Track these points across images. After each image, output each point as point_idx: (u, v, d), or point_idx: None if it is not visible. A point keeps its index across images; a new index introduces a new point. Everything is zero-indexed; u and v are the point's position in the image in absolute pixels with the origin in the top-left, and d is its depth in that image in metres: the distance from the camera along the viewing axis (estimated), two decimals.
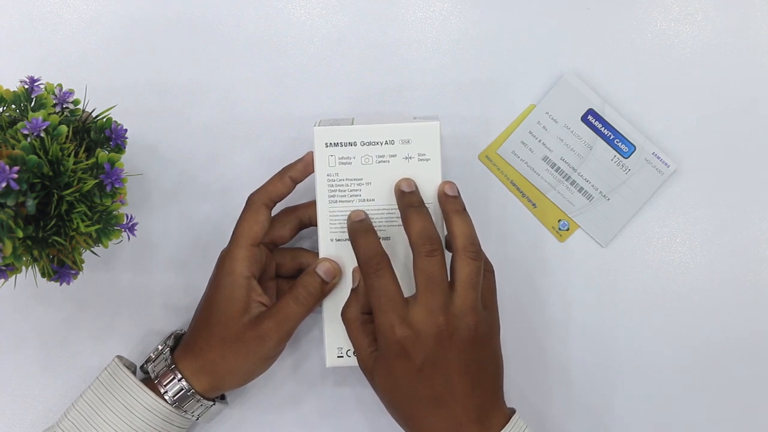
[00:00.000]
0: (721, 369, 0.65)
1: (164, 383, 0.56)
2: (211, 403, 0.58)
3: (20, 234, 0.49)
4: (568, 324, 0.65)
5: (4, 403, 0.65)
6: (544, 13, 0.67)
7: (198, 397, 0.56)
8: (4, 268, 0.51)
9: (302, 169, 0.58)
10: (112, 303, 0.65)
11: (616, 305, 0.65)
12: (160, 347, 0.60)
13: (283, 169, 0.59)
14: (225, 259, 0.57)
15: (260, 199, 0.57)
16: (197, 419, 0.58)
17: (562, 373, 0.65)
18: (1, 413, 0.65)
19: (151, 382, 0.57)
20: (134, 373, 0.59)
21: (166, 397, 0.56)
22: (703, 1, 0.67)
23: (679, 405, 0.65)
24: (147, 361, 0.59)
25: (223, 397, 0.62)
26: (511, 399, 0.65)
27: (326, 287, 0.56)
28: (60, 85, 0.56)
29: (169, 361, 0.57)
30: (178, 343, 0.60)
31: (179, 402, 0.56)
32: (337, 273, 0.57)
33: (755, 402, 0.65)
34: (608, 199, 0.65)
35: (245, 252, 0.56)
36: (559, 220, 0.65)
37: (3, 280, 0.52)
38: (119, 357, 0.59)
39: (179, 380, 0.56)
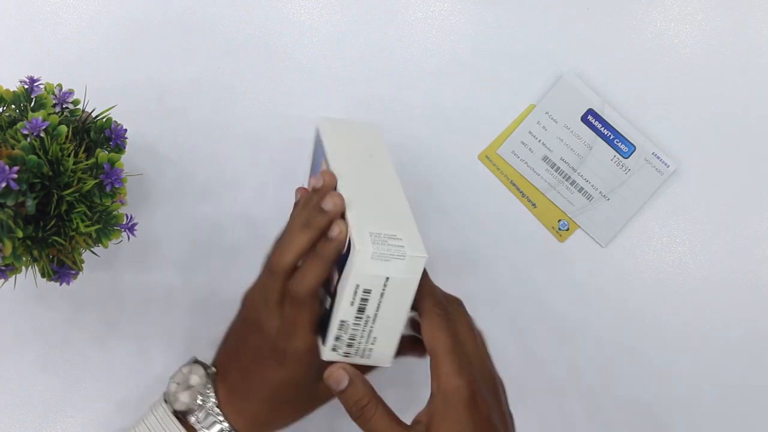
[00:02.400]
0: (721, 369, 0.65)
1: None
2: None
3: (20, 234, 0.49)
4: (568, 324, 0.65)
5: (4, 403, 0.65)
6: (544, 13, 0.67)
7: None
8: (4, 268, 0.51)
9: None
10: (112, 303, 0.65)
11: (616, 305, 0.65)
12: (200, 400, 0.53)
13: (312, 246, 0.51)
14: (288, 349, 0.50)
15: (310, 291, 0.49)
16: None
17: (562, 372, 0.65)
18: (1, 413, 0.65)
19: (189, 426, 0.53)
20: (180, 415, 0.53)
21: None
22: (703, 1, 0.67)
23: (679, 404, 0.65)
24: (188, 412, 0.53)
25: None
26: (511, 398, 0.65)
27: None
28: (60, 85, 0.56)
29: (221, 418, 0.52)
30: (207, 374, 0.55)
31: None
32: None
33: (755, 402, 0.65)
34: (608, 199, 0.65)
35: (310, 338, 0.50)
36: (559, 220, 0.65)
37: (3, 280, 0.52)
38: (167, 400, 0.54)
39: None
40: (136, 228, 0.56)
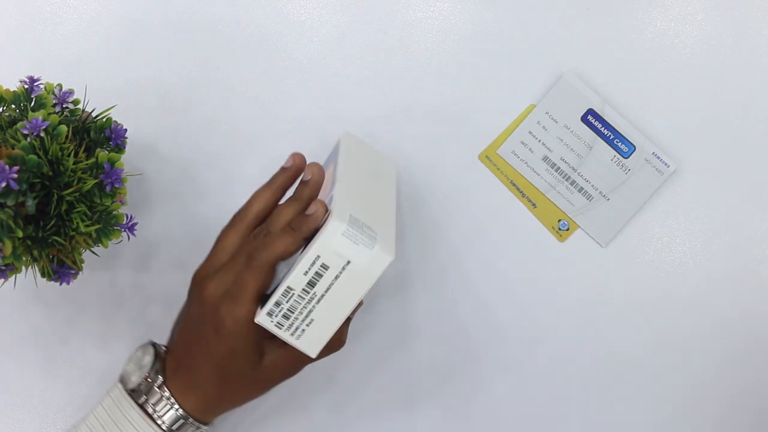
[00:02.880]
0: (720, 369, 0.65)
1: (160, 413, 0.53)
2: (207, 427, 0.56)
3: (20, 234, 0.49)
4: (568, 324, 0.65)
5: (4, 403, 0.65)
6: (544, 13, 0.67)
7: (196, 424, 0.54)
8: (4, 268, 0.51)
9: (292, 175, 0.55)
10: (112, 303, 0.65)
11: (616, 305, 0.65)
12: (149, 379, 0.54)
13: (269, 183, 0.56)
14: (226, 316, 0.51)
15: (272, 262, 0.51)
16: None
17: (562, 372, 0.65)
18: (1, 413, 0.65)
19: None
20: (136, 397, 0.55)
21: (164, 428, 0.53)
22: (703, 1, 0.67)
23: (679, 404, 0.65)
24: (138, 391, 0.55)
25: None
26: (510, 398, 0.65)
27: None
28: (60, 85, 0.56)
29: (167, 394, 0.54)
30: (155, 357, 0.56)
31: (176, 430, 0.54)
32: None
33: (755, 401, 0.64)
34: (608, 199, 0.65)
35: (251, 308, 0.51)
36: (559, 220, 0.65)
37: (3, 280, 0.52)
38: (122, 381, 0.55)
39: (176, 410, 0.53)
40: (136, 228, 0.56)
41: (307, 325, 0.50)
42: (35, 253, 0.52)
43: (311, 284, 0.49)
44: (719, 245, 0.65)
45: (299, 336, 0.50)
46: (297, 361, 0.53)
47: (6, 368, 0.65)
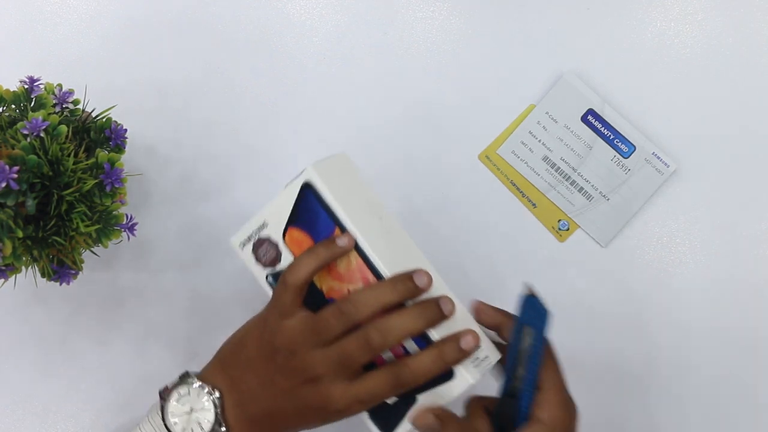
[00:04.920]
0: (720, 369, 0.65)
1: None
2: None
3: (20, 234, 0.49)
4: (567, 324, 0.65)
5: (4, 403, 0.65)
6: (544, 13, 0.67)
7: None
8: (4, 268, 0.51)
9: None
10: (112, 303, 0.65)
11: (616, 305, 0.65)
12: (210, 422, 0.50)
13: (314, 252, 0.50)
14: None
15: (300, 281, 0.49)
16: None
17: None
18: (1, 413, 0.65)
19: None
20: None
21: None
22: (703, 1, 0.67)
23: (678, 404, 0.65)
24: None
25: None
26: None
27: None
28: (60, 85, 0.56)
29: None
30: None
31: None
32: None
33: (755, 401, 0.64)
34: (608, 199, 0.65)
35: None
36: (559, 220, 0.65)
37: (3, 280, 0.52)
38: (160, 411, 0.52)
39: None
40: (136, 228, 0.56)
41: None
42: (35, 253, 0.52)
43: None
44: (719, 245, 0.65)
45: None
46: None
47: (6, 368, 0.65)
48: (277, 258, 0.51)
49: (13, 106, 0.55)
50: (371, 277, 0.50)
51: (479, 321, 0.52)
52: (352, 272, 0.50)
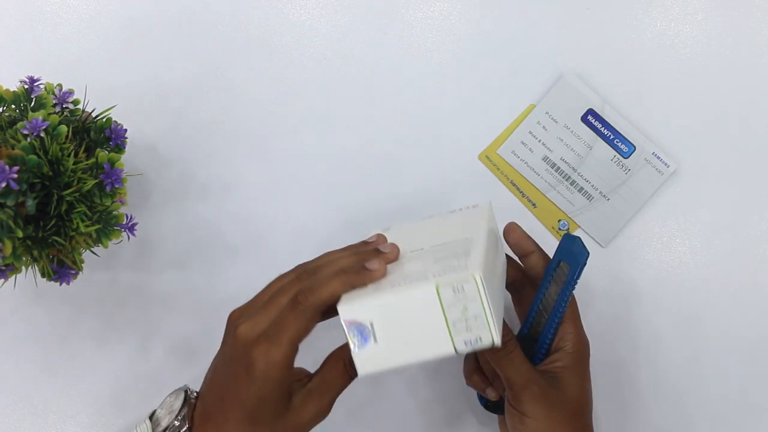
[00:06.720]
0: (720, 369, 0.65)
1: None
2: None
3: (20, 234, 0.49)
4: None
5: (4, 403, 0.65)
6: (544, 13, 0.67)
7: None
8: (4, 268, 0.51)
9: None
10: (112, 303, 0.65)
11: (616, 305, 0.65)
12: (176, 422, 0.51)
13: (341, 270, 0.48)
14: (259, 358, 0.47)
15: (316, 306, 0.47)
16: None
17: None
18: (1, 413, 0.65)
19: None
20: None
21: None
22: (703, 1, 0.67)
23: (678, 404, 0.65)
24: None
25: None
26: None
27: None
28: (60, 85, 0.56)
29: None
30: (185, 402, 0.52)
31: None
32: None
33: (755, 401, 0.64)
34: (608, 199, 0.65)
35: (288, 351, 0.47)
36: (559, 220, 0.65)
37: (3, 280, 0.52)
38: (153, 421, 0.52)
39: None
40: (136, 228, 0.56)
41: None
42: (35, 253, 0.52)
43: None
44: (719, 245, 0.65)
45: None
46: (325, 394, 0.49)
47: (6, 368, 0.65)
48: None
49: (13, 106, 0.55)
50: None
51: (507, 240, 0.55)
52: None
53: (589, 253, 0.52)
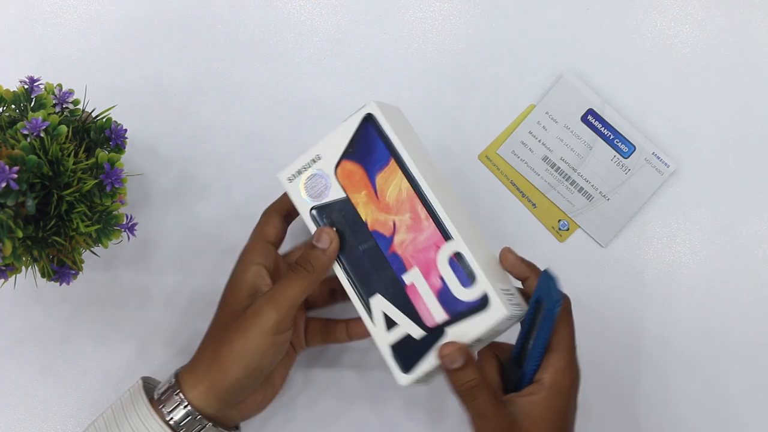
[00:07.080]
0: (720, 369, 0.65)
1: (169, 409, 0.52)
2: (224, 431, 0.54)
3: (20, 234, 0.49)
4: None
5: (4, 403, 0.64)
6: (544, 13, 0.67)
7: (206, 423, 0.52)
8: (4, 268, 0.51)
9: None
10: (112, 303, 0.65)
11: (616, 305, 0.65)
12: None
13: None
14: (240, 255, 0.57)
15: (273, 209, 0.57)
16: None
17: None
18: (1, 413, 0.65)
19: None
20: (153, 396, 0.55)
21: (172, 423, 0.52)
22: (703, 1, 0.67)
23: (677, 405, 0.65)
24: (155, 388, 0.55)
25: (237, 428, 0.57)
26: None
27: (326, 256, 0.52)
28: (60, 85, 0.56)
29: (172, 382, 0.53)
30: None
31: (186, 430, 0.52)
32: (333, 238, 0.52)
33: (753, 402, 0.64)
34: (608, 199, 0.65)
35: (256, 244, 0.56)
36: (559, 220, 0.66)
37: (3, 280, 0.52)
38: (144, 378, 0.56)
39: (185, 406, 0.52)
40: (136, 228, 0.56)
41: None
42: (35, 253, 0.52)
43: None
44: (719, 245, 0.65)
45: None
46: (279, 292, 0.53)
47: (6, 368, 0.65)
48: (325, 191, 0.52)
49: (13, 106, 0.55)
50: (421, 209, 0.50)
51: (505, 268, 0.54)
52: (401, 203, 0.51)
53: (559, 297, 0.50)
